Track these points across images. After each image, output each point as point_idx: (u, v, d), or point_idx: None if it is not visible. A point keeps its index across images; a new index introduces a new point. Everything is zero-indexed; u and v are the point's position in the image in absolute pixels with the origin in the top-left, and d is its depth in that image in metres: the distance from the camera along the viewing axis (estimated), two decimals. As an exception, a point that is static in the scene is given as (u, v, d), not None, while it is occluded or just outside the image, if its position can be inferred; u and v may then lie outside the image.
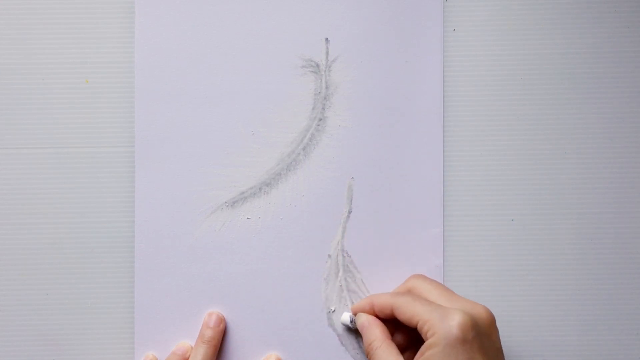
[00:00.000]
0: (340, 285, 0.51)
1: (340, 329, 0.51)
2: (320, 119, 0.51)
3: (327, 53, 0.51)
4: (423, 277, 0.48)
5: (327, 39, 0.51)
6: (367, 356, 0.47)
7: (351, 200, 0.51)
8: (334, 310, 0.51)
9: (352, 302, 0.51)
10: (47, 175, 0.51)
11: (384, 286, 0.51)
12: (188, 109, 0.51)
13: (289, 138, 0.51)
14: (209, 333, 0.49)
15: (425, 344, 0.43)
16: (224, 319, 0.50)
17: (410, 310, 0.45)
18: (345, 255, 0.51)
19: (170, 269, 0.50)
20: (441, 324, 0.42)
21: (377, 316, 0.48)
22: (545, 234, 0.52)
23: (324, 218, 0.51)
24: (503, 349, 0.46)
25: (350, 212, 0.51)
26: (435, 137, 0.51)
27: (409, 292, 0.47)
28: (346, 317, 0.50)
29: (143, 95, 0.51)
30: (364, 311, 0.48)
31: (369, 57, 0.51)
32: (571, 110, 0.52)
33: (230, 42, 0.51)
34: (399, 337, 0.48)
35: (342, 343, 0.51)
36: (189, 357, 0.49)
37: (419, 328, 0.44)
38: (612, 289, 0.52)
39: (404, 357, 0.45)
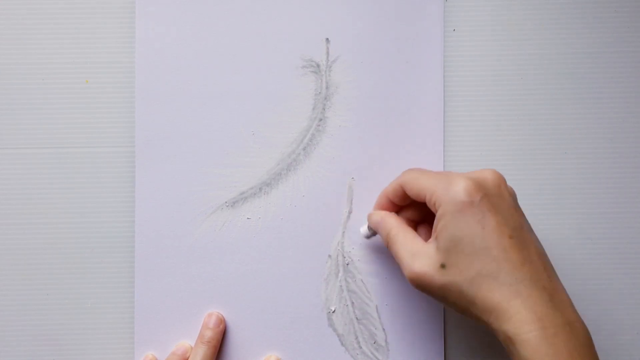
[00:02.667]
0: (340, 286, 0.51)
1: (340, 329, 0.51)
2: (321, 119, 0.51)
3: (328, 53, 0.51)
4: (417, 168, 0.47)
5: (327, 39, 0.51)
6: (387, 246, 0.46)
7: (351, 200, 0.51)
8: (334, 311, 0.51)
9: (353, 303, 0.51)
10: (47, 175, 0.51)
11: (384, 286, 0.51)
12: (188, 109, 0.51)
13: (290, 138, 0.51)
14: (208, 333, 0.49)
15: (436, 217, 0.43)
16: (224, 320, 0.50)
17: (417, 184, 0.44)
18: (345, 255, 0.51)
19: (170, 269, 0.50)
20: (447, 193, 0.42)
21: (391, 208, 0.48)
22: (546, 234, 0.52)
23: (324, 218, 0.51)
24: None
25: (350, 212, 0.51)
26: (435, 137, 0.51)
27: (419, 168, 0.47)
28: (365, 228, 0.50)
29: (143, 95, 0.51)
30: (379, 207, 0.48)
31: (370, 57, 0.51)
32: (571, 110, 0.52)
33: (231, 42, 0.51)
34: (417, 227, 0.47)
35: (342, 343, 0.51)
36: (188, 357, 0.49)
37: (427, 201, 0.44)
38: (612, 289, 0.52)
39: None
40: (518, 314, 0.40)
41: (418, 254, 0.43)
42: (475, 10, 0.52)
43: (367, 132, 0.51)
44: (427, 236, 0.46)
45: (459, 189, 0.42)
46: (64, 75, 0.51)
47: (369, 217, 0.49)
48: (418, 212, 0.47)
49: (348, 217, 0.51)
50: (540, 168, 0.52)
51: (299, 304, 0.51)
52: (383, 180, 0.51)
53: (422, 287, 0.43)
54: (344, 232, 0.51)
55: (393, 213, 0.48)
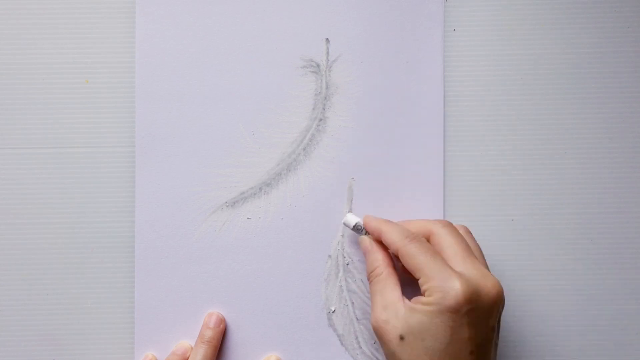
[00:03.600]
0: (340, 286, 0.51)
1: (340, 329, 0.51)
2: (321, 119, 0.51)
3: (328, 53, 0.51)
4: (450, 227, 0.46)
5: (327, 39, 0.51)
6: (367, 279, 0.47)
7: (351, 200, 0.51)
8: (334, 311, 0.51)
9: (353, 303, 0.51)
10: (47, 175, 0.51)
11: (384, 286, 0.51)
12: (188, 109, 0.51)
13: (290, 138, 0.51)
14: (209, 333, 0.49)
15: (420, 298, 0.43)
16: (224, 320, 0.50)
17: (416, 264, 0.44)
18: (345, 255, 0.51)
19: (170, 269, 0.50)
20: (440, 288, 0.42)
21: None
22: (545, 234, 0.52)
23: (324, 218, 0.51)
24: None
25: (350, 212, 0.51)
26: (436, 137, 0.51)
27: (424, 239, 0.45)
28: (352, 219, 0.50)
29: (143, 95, 0.51)
30: (372, 233, 0.48)
31: (370, 57, 0.51)
32: (571, 110, 0.52)
33: (231, 42, 0.51)
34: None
35: (342, 343, 0.51)
36: (188, 357, 0.49)
37: (419, 283, 0.43)
38: (612, 289, 0.52)
39: (406, 282, 0.45)
40: None
41: (388, 309, 0.44)
42: (475, 10, 0.52)
43: (367, 132, 0.51)
44: (406, 276, 0.46)
45: (453, 294, 0.42)
46: (64, 75, 0.51)
47: (361, 240, 0.49)
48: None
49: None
50: (540, 168, 0.52)
51: (299, 304, 0.51)
52: (383, 180, 0.51)
53: (379, 339, 0.45)
54: (344, 232, 0.51)
55: (382, 247, 0.47)
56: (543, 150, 0.52)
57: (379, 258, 0.47)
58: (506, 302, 0.51)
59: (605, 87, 0.52)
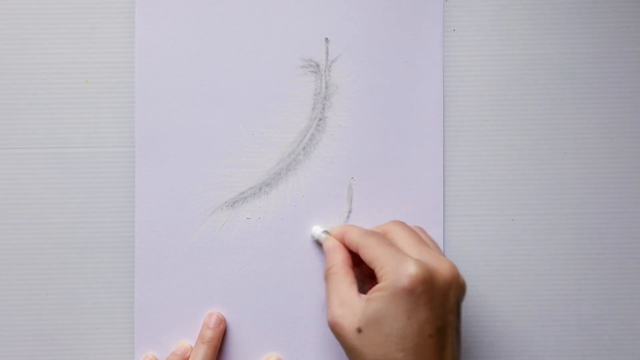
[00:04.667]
0: (340, 285, 0.51)
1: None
2: (320, 119, 0.51)
3: (327, 53, 0.51)
4: (402, 224, 0.47)
5: (327, 39, 0.51)
6: (324, 279, 0.47)
7: (351, 200, 0.51)
8: (334, 310, 0.51)
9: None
10: (47, 175, 0.51)
11: (384, 286, 0.51)
12: (188, 109, 0.51)
13: (289, 138, 0.51)
14: (209, 333, 0.49)
15: (375, 286, 0.43)
16: (224, 320, 0.50)
17: (372, 254, 0.44)
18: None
19: (170, 269, 0.50)
20: (394, 272, 0.42)
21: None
22: (545, 234, 0.52)
23: (324, 218, 0.51)
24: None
25: (350, 212, 0.51)
26: (435, 137, 0.51)
27: (381, 235, 0.46)
28: (317, 230, 0.50)
29: (143, 95, 0.51)
30: (335, 237, 0.49)
31: (369, 57, 0.51)
32: (571, 110, 0.52)
33: (231, 42, 0.51)
34: (365, 267, 0.47)
35: (342, 343, 0.51)
36: (188, 357, 0.49)
37: (376, 272, 0.44)
38: (612, 289, 0.52)
39: (366, 287, 0.45)
40: None
41: (345, 305, 0.44)
42: (475, 10, 0.52)
43: (367, 132, 0.51)
44: (369, 272, 0.46)
45: (406, 274, 0.42)
46: (64, 75, 0.51)
47: (324, 240, 0.49)
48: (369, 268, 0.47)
49: (348, 217, 0.51)
50: (540, 168, 0.52)
51: (299, 304, 0.51)
52: (383, 180, 0.51)
53: (337, 337, 0.44)
54: (343, 232, 0.51)
55: (344, 249, 0.48)
56: (543, 150, 0.52)
57: (337, 257, 0.47)
58: (505, 301, 0.51)
59: (605, 87, 0.52)
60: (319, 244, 0.50)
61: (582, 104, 0.52)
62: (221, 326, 0.50)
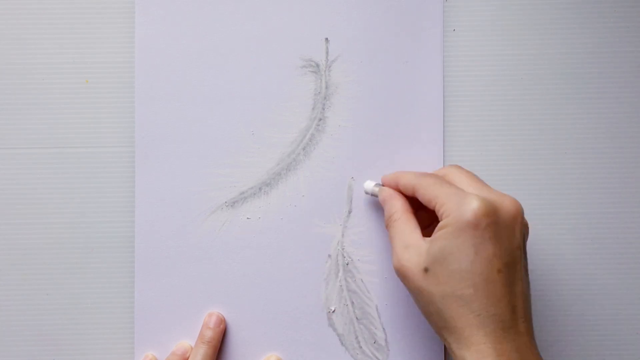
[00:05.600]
0: (340, 285, 0.51)
1: (340, 329, 0.51)
2: (320, 119, 0.51)
3: (327, 53, 0.51)
4: (458, 167, 0.47)
5: (327, 39, 0.51)
6: (386, 226, 0.47)
7: (351, 200, 0.51)
8: (334, 310, 0.51)
9: (352, 302, 0.51)
10: (47, 175, 0.51)
11: (384, 286, 0.51)
12: (188, 109, 0.51)
13: (289, 138, 0.51)
14: (209, 333, 0.49)
15: (439, 224, 0.42)
16: (224, 320, 0.50)
17: (430, 193, 0.44)
18: (345, 255, 0.51)
19: (170, 269, 0.50)
20: (456, 207, 0.41)
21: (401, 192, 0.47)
22: (546, 233, 0.52)
23: (324, 218, 0.51)
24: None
25: (350, 212, 0.51)
26: (435, 137, 0.51)
27: (437, 175, 0.46)
28: (370, 184, 0.50)
29: (143, 95, 0.51)
30: (389, 185, 0.48)
31: (369, 57, 0.51)
32: (571, 110, 0.52)
33: (230, 42, 0.51)
34: (423, 213, 0.46)
35: (342, 343, 0.51)
36: (188, 357, 0.49)
37: (436, 210, 0.43)
38: (612, 289, 0.52)
39: (426, 232, 0.44)
40: (478, 345, 0.40)
41: (410, 248, 0.43)
42: (475, 10, 0.52)
43: (367, 132, 0.51)
44: (428, 222, 0.46)
45: (469, 208, 0.41)
46: (64, 75, 0.51)
47: (380, 190, 0.48)
48: (428, 213, 0.47)
49: (348, 217, 0.51)
50: (540, 168, 0.52)
51: (299, 304, 0.51)
52: (383, 180, 0.51)
53: (403, 280, 0.44)
54: (343, 232, 0.51)
55: (401, 196, 0.47)
56: (543, 150, 0.52)
57: (397, 204, 0.46)
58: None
59: (605, 87, 0.52)
60: (372, 196, 0.50)
61: (582, 104, 0.52)
62: (221, 326, 0.50)
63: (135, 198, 0.51)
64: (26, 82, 0.51)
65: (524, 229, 0.43)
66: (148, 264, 0.50)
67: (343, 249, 0.51)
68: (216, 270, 0.51)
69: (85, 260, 0.51)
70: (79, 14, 0.51)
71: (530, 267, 0.51)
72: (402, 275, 0.43)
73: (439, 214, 0.43)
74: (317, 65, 0.51)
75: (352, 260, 0.51)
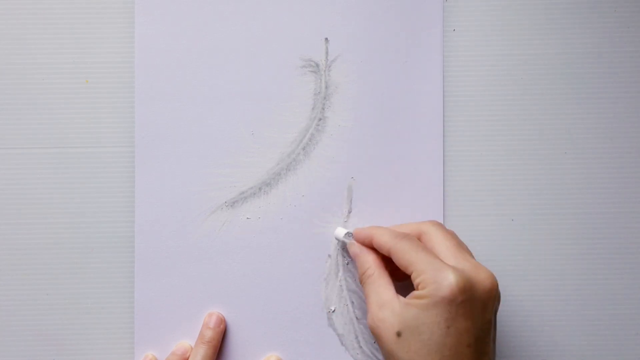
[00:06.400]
0: (340, 285, 0.51)
1: (340, 329, 0.51)
2: (320, 119, 0.51)
3: (327, 53, 0.51)
4: (439, 226, 0.47)
5: (327, 38, 0.51)
6: (360, 282, 0.47)
7: (351, 200, 0.51)
8: (334, 310, 0.51)
9: (352, 302, 0.51)
10: (47, 175, 0.51)
11: (384, 286, 0.51)
12: (188, 109, 0.51)
13: (289, 138, 0.51)
14: (209, 333, 0.49)
15: (415, 292, 0.43)
16: (224, 320, 0.50)
17: (407, 259, 0.44)
18: (345, 255, 0.51)
19: (170, 269, 0.50)
20: (433, 281, 0.42)
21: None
22: (545, 234, 0.52)
23: (324, 218, 0.51)
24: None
25: (350, 212, 0.51)
26: (435, 137, 0.51)
27: (415, 237, 0.46)
28: (341, 232, 0.50)
29: (143, 95, 0.51)
30: (362, 243, 0.48)
31: (369, 57, 0.51)
32: (571, 110, 0.52)
33: (230, 42, 0.51)
34: (396, 266, 0.47)
35: (342, 343, 0.51)
36: (188, 357, 0.49)
37: (412, 278, 0.43)
38: (612, 289, 0.52)
39: (399, 285, 0.45)
40: None
41: (384, 307, 0.44)
42: (475, 10, 0.52)
43: (367, 132, 0.51)
44: (403, 275, 0.46)
45: (446, 284, 0.41)
46: (64, 75, 0.51)
47: (349, 245, 0.49)
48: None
49: (348, 217, 0.51)
50: (540, 168, 0.52)
51: (299, 304, 0.51)
52: (383, 180, 0.51)
53: (377, 339, 0.44)
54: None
55: (372, 250, 0.47)
56: (543, 150, 0.52)
57: (369, 259, 0.47)
58: (505, 302, 0.51)
59: (605, 87, 0.52)
60: (343, 247, 0.50)
61: (582, 104, 0.52)
62: (221, 326, 0.50)
63: (135, 198, 0.51)
64: (26, 82, 0.51)
65: (497, 301, 0.44)
66: (148, 264, 0.50)
67: (343, 248, 0.51)
68: (216, 270, 0.51)
69: (85, 260, 0.51)
70: (79, 14, 0.51)
71: (530, 267, 0.51)
72: (376, 335, 0.44)
73: (415, 282, 0.43)
74: (317, 65, 0.51)
75: (352, 260, 0.51)
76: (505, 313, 0.51)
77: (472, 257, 0.46)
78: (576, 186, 0.52)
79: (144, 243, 0.50)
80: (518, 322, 0.51)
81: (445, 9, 0.51)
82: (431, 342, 0.41)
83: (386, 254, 0.46)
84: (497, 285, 0.43)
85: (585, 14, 0.52)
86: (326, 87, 0.51)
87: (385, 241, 0.46)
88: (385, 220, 0.51)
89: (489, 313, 0.43)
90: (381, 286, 0.45)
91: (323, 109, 0.51)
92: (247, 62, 0.51)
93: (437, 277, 0.42)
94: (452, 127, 0.51)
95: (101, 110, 0.51)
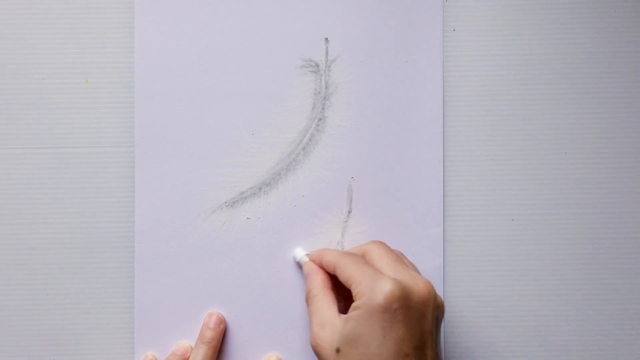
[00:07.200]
0: (340, 285, 0.51)
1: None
2: (320, 119, 0.51)
3: (327, 53, 0.51)
4: (381, 244, 0.47)
5: (326, 38, 0.51)
6: (305, 302, 0.47)
7: (351, 200, 0.51)
8: (334, 310, 0.51)
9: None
10: (47, 175, 0.51)
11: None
12: (188, 109, 0.51)
13: (289, 138, 0.51)
14: (209, 334, 0.49)
15: (352, 305, 0.43)
16: (224, 320, 0.50)
17: (347, 273, 0.44)
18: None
19: (170, 269, 0.51)
20: (369, 290, 0.42)
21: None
22: (545, 234, 0.52)
23: (324, 218, 0.51)
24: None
25: (350, 212, 0.51)
26: (435, 137, 0.51)
27: (359, 255, 0.47)
28: (300, 253, 0.50)
29: (143, 95, 0.51)
30: (314, 261, 0.49)
31: (369, 57, 0.51)
32: (571, 110, 0.52)
33: (230, 42, 0.51)
34: (344, 288, 0.47)
35: (342, 343, 0.51)
36: (188, 358, 0.49)
37: (352, 290, 0.44)
38: (612, 289, 0.52)
39: (344, 306, 0.45)
40: None
41: (325, 326, 0.44)
42: (475, 10, 0.52)
43: (367, 132, 0.51)
44: (350, 296, 0.45)
45: (381, 291, 0.42)
46: (64, 75, 0.51)
47: (303, 265, 0.49)
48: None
49: (348, 216, 0.51)
50: (540, 168, 0.52)
51: (298, 304, 0.51)
52: (383, 180, 0.51)
53: (318, 357, 0.44)
54: (343, 232, 0.51)
55: (322, 271, 0.48)
56: (543, 150, 0.52)
57: (316, 279, 0.47)
58: (507, 302, 0.51)
59: (605, 87, 0.52)
60: (300, 266, 0.50)
61: (582, 104, 0.52)
62: (221, 326, 0.50)
63: (135, 198, 0.51)
64: (26, 82, 0.51)
65: (437, 311, 0.44)
66: (148, 264, 0.50)
67: (343, 248, 0.51)
68: (216, 270, 0.51)
69: (85, 260, 0.51)
70: (79, 14, 0.51)
71: (530, 267, 0.51)
72: (317, 354, 0.44)
73: (353, 295, 0.43)
74: (317, 65, 0.51)
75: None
76: (505, 313, 0.51)
77: (416, 271, 0.46)
78: (576, 186, 0.52)
79: (144, 243, 0.50)
80: (517, 321, 0.51)
81: (445, 9, 0.51)
82: (368, 353, 0.41)
83: (332, 270, 0.46)
84: (434, 294, 0.43)
85: (585, 14, 0.52)
86: (326, 87, 0.51)
87: (329, 259, 0.47)
88: (385, 220, 0.51)
89: (428, 323, 0.43)
90: (324, 306, 0.45)
91: (323, 108, 0.51)
92: (247, 62, 0.51)
93: (373, 286, 0.42)
94: (452, 127, 0.51)
95: (101, 110, 0.51)
